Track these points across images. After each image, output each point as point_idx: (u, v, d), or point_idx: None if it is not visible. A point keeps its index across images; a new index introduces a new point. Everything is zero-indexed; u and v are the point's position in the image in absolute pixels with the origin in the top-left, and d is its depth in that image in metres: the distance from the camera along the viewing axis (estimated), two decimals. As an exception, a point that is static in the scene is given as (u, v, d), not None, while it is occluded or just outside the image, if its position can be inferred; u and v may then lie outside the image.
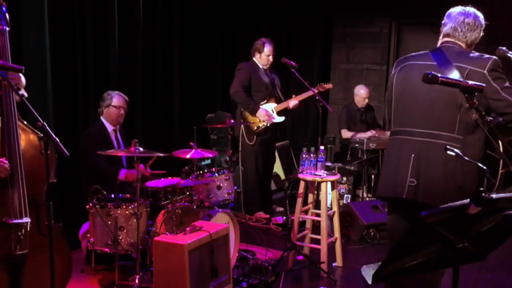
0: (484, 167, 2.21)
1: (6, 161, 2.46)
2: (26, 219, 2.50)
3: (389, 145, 2.70)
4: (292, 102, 5.29)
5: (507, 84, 2.38)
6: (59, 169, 2.73)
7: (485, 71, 2.36)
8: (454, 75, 2.35)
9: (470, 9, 2.56)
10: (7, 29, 2.60)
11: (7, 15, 2.59)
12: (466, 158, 2.20)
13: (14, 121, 2.52)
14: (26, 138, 2.60)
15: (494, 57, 2.45)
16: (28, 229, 2.51)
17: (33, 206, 2.58)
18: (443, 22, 2.62)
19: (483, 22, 2.55)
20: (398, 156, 2.56)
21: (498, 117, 2.40)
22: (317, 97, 4.59)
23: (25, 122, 2.61)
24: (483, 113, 2.31)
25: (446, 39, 2.58)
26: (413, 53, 2.67)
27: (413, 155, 2.49)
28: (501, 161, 2.32)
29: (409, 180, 2.47)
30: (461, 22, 2.52)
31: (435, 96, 2.45)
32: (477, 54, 2.49)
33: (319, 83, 5.37)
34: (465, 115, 2.35)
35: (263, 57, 5.23)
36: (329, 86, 5.41)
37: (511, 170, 2.29)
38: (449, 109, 2.41)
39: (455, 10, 2.58)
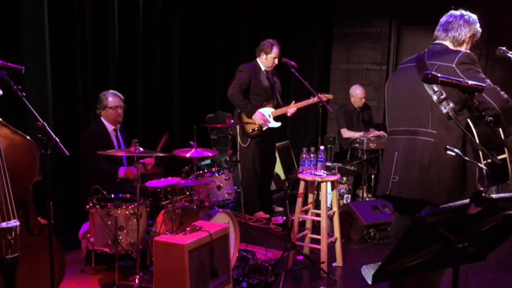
0: (484, 168, 2.22)
1: None
2: (15, 222, 2.42)
3: (385, 146, 2.86)
4: (291, 110, 5.26)
5: (480, 75, 2.44)
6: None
7: (454, 65, 2.45)
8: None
9: (458, 11, 2.65)
10: None
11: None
12: (466, 158, 2.21)
13: None
14: (5, 136, 2.50)
15: (466, 51, 2.54)
16: (18, 232, 2.44)
17: (20, 206, 2.50)
18: None
19: (471, 20, 2.63)
20: (386, 156, 2.72)
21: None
22: (318, 100, 4.59)
23: (0, 119, 2.52)
24: (457, 107, 2.40)
25: (434, 42, 2.71)
26: (405, 59, 2.80)
27: (396, 153, 2.62)
28: (480, 153, 2.38)
29: (392, 177, 2.60)
30: (443, 23, 2.65)
31: (412, 94, 2.58)
32: (454, 51, 2.58)
33: (320, 93, 5.26)
34: (437, 110, 2.47)
35: (269, 59, 5.17)
36: (329, 96, 5.33)
37: (494, 160, 2.33)
38: (423, 106, 2.52)
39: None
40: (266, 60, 5.20)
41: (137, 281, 3.36)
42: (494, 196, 1.59)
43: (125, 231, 3.45)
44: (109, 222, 3.40)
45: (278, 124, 5.29)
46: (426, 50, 2.67)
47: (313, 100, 5.12)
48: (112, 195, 3.65)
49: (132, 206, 3.45)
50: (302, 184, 4.09)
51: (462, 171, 2.48)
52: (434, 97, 2.46)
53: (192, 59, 5.92)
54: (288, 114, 5.29)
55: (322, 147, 4.21)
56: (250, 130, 5.20)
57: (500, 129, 2.43)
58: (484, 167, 2.27)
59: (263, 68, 5.24)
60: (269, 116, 5.22)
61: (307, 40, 7.61)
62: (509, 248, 3.15)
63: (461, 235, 1.67)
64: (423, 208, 2.53)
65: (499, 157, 2.39)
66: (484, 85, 2.05)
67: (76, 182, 4.23)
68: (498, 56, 2.68)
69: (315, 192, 4.30)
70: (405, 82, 2.64)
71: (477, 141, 2.39)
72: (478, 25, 2.66)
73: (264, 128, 5.19)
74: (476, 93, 2.00)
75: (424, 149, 2.51)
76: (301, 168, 4.23)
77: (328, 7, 7.70)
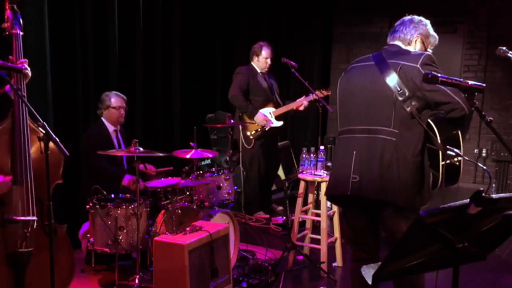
0: (479, 164, 2.22)
1: (8, 179, 2.51)
2: (33, 217, 2.54)
3: (336, 146, 2.78)
4: (305, 103, 5.23)
5: None
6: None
7: (418, 65, 2.43)
8: (390, 71, 2.46)
9: (408, 16, 2.75)
10: (21, 33, 2.64)
11: (21, 20, 2.65)
12: (466, 158, 2.21)
13: (25, 121, 2.56)
14: (35, 138, 2.61)
15: (428, 52, 2.54)
16: (35, 227, 2.56)
17: (38, 205, 2.62)
18: None
19: (417, 20, 2.70)
20: (343, 155, 2.63)
21: (440, 111, 2.48)
22: (317, 98, 4.59)
23: (35, 124, 2.62)
24: (419, 107, 2.40)
25: (386, 44, 2.72)
26: (357, 59, 2.77)
27: (354, 152, 2.56)
28: (440, 153, 2.36)
29: (352, 176, 2.53)
30: (396, 25, 2.72)
31: (372, 93, 2.54)
32: (413, 52, 2.59)
33: (319, 89, 5.29)
34: (400, 109, 2.44)
35: (261, 60, 5.24)
36: (328, 92, 5.36)
37: (453, 162, 2.32)
38: (385, 105, 2.49)
39: None
40: (258, 62, 5.28)
41: (137, 281, 3.36)
42: (494, 196, 1.59)
43: (125, 231, 3.45)
44: (109, 222, 3.41)
45: (280, 123, 5.31)
46: (381, 51, 2.66)
47: (312, 96, 5.11)
48: (112, 195, 3.65)
49: (132, 206, 3.46)
50: (302, 184, 4.09)
51: (421, 174, 2.44)
52: (398, 97, 2.42)
53: (192, 59, 5.92)
54: (301, 108, 5.28)
55: (322, 147, 4.21)
56: (254, 131, 5.22)
57: (459, 132, 2.41)
58: (479, 163, 2.27)
59: (258, 71, 5.30)
60: (271, 115, 5.24)
61: (307, 40, 7.61)
62: (509, 248, 3.14)
63: (461, 235, 1.67)
64: (384, 208, 2.50)
65: (456, 159, 2.38)
66: (484, 84, 2.05)
67: (76, 182, 4.23)
68: (498, 56, 2.69)
69: (315, 192, 4.30)
70: (364, 81, 2.59)
71: (439, 141, 2.37)
72: (428, 27, 2.68)
73: (266, 129, 5.21)
74: (475, 93, 1.99)
75: (386, 148, 2.46)
76: (301, 168, 4.23)
77: (328, 7, 7.70)
